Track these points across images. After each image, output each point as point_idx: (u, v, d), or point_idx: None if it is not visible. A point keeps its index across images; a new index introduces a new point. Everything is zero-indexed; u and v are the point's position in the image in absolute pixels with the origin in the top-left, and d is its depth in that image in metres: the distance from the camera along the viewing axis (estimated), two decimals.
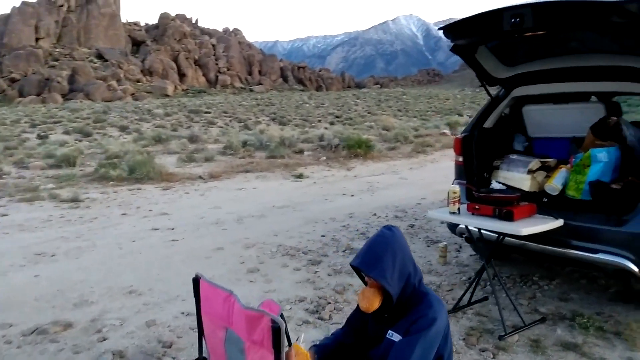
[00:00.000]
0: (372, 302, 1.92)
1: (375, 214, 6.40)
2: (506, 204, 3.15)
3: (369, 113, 45.03)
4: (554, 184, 3.53)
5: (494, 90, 4.23)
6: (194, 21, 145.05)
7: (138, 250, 4.99)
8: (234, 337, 1.61)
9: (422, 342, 1.83)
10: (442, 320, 1.90)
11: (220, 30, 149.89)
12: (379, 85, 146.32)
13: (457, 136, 4.13)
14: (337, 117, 40.63)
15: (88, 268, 4.46)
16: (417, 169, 10.68)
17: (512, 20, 2.99)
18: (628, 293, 3.68)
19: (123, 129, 25.27)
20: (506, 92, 4.05)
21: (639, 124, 3.69)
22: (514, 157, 3.94)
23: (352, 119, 37.58)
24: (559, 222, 3.10)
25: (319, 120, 37.29)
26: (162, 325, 3.32)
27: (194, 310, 3.49)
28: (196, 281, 1.76)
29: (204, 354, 1.86)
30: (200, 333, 1.81)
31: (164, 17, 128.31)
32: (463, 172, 4.06)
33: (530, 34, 3.16)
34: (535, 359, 2.87)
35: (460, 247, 4.94)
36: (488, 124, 4.08)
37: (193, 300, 3.70)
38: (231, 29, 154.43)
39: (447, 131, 18.05)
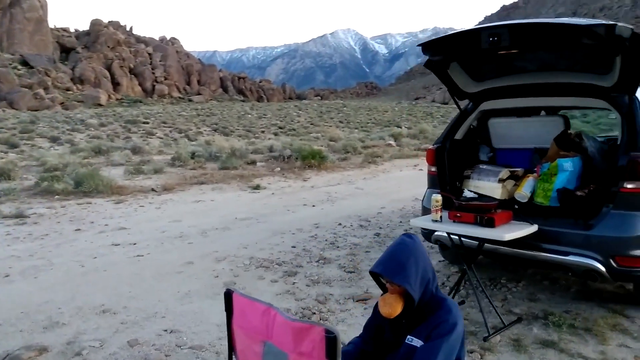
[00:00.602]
0: (395, 308, 1.96)
1: (340, 224, 6.48)
2: (486, 212, 3.33)
3: (311, 124, 45.42)
4: (524, 192, 3.77)
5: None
6: (128, 28, 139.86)
7: (102, 267, 4.73)
8: (274, 350, 1.59)
9: (445, 347, 1.90)
10: (461, 325, 1.98)
11: (157, 38, 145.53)
12: (319, 97, 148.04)
13: (430, 147, 4.30)
14: (280, 128, 40.64)
15: (50, 288, 4.18)
16: (371, 179, 10.92)
17: (490, 39, 3.20)
18: (587, 292, 4.00)
19: (54, 139, 23.78)
20: (474, 105, 4.28)
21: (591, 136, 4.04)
22: (484, 167, 4.17)
23: (296, 130, 37.77)
24: (535, 227, 3.31)
25: (263, 131, 37.13)
26: (146, 344, 3.18)
27: (177, 327, 3.42)
28: (228, 295, 1.72)
29: None
30: (230, 349, 1.77)
31: (95, 23, 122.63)
32: (437, 182, 4.23)
33: (504, 52, 3.39)
34: (520, 357, 3.03)
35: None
36: (458, 135, 4.29)
37: (173, 317, 3.61)
38: (168, 38, 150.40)
39: (392, 142, 18.60)
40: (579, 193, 3.53)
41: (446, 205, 3.58)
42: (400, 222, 6.62)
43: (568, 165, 3.57)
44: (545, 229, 3.39)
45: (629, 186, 3.19)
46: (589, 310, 3.64)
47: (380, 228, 6.28)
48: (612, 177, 3.36)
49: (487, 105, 4.22)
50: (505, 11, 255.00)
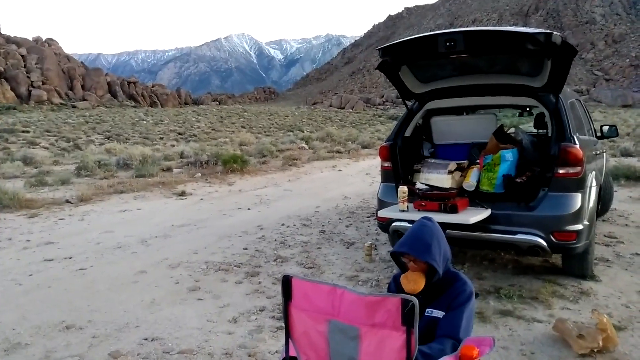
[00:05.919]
0: (419, 284, 2.15)
1: (283, 224, 6.57)
2: (448, 199, 3.68)
3: (213, 130, 44.37)
4: (471, 181, 4.21)
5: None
6: None
7: (44, 283, 4.35)
8: (341, 327, 1.69)
9: (466, 313, 2.14)
10: (474, 295, 2.23)
11: (31, 39, 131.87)
12: (217, 102, 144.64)
13: (384, 144, 4.59)
14: (180, 134, 39.08)
15: None
16: (295, 181, 11.10)
17: (447, 44, 3.55)
18: (521, 267, 4.56)
19: None
20: (420, 105, 4.65)
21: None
22: (432, 161, 4.56)
23: (197, 135, 36.68)
24: (489, 211, 3.74)
25: (161, 138, 35.45)
26: (130, 354, 3.05)
27: (156, 335, 3.32)
28: (287, 280, 1.78)
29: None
30: (287, 334, 1.83)
31: None
32: (391, 176, 4.52)
33: (456, 56, 3.77)
34: (486, 327, 3.41)
35: (376, 246, 5.41)
36: (407, 133, 4.64)
37: (148, 325, 3.49)
38: (44, 39, 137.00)
39: (305, 145, 18.96)
40: (518, 180, 4.04)
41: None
42: (340, 219, 6.89)
43: (509, 156, 4.06)
44: (494, 212, 3.82)
45: (561, 171, 3.74)
46: (529, 283, 4.17)
47: (323, 226, 6.49)
48: (545, 164, 3.90)
49: (431, 105, 4.61)
50: (391, 20, 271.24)
